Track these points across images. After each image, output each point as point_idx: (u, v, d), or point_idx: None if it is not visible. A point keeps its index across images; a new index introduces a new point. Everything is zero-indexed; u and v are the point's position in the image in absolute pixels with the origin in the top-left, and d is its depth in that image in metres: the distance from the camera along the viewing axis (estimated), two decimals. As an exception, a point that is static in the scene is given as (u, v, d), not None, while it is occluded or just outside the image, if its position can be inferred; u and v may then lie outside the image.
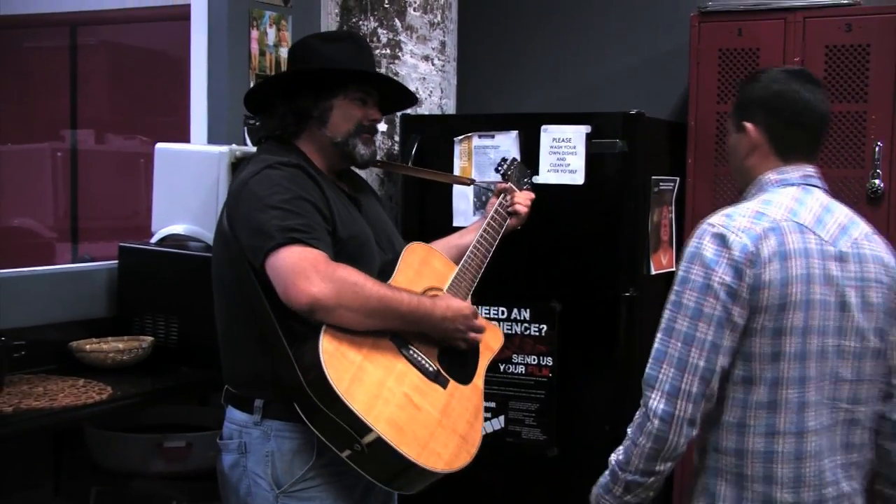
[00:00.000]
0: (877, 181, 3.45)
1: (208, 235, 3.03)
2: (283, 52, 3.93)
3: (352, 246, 2.29)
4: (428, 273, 2.49)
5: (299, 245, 2.11)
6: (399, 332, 2.27)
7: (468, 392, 2.41)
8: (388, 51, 4.11)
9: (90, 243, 5.32)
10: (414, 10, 4.15)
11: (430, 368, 2.30)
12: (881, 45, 3.45)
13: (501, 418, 3.60)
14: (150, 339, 3.15)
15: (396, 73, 4.14)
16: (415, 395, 2.22)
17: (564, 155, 3.53)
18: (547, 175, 3.55)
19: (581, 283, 3.55)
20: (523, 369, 3.57)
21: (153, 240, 3.33)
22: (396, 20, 4.12)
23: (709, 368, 1.94)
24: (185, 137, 3.77)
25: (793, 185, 2.12)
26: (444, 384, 2.33)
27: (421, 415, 2.21)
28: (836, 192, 3.50)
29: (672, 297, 2.04)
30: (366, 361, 2.17)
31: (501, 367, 3.55)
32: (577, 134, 3.51)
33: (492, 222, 2.78)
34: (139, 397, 2.86)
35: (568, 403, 3.56)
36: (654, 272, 3.66)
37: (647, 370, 2.04)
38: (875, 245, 2.11)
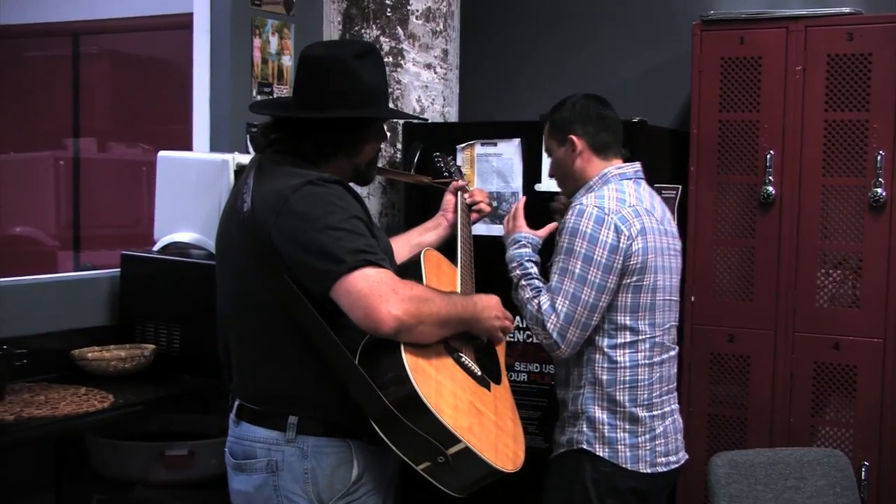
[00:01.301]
0: (879, 190, 3.45)
1: (211, 244, 3.03)
2: (286, 61, 3.94)
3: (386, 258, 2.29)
4: (443, 277, 2.58)
5: (372, 267, 2.07)
6: (446, 339, 2.29)
7: (503, 391, 2.48)
8: (391, 59, 4.11)
9: (92, 251, 5.32)
10: (416, 18, 4.16)
11: (477, 372, 2.34)
12: (883, 53, 3.45)
13: None
14: (152, 347, 3.15)
15: (399, 82, 4.14)
16: (476, 402, 2.26)
17: (567, 163, 3.52)
18: (549, 183, 3.54)
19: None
20: (525, 377, 3.56)
21: (155, 248, 3.32)
22: (399, 28, 4.12)
23: (595, 304, 2.64)
24: (187, 145, 3.77)
25: (629, 178, 2.81)
26: (488, 386, 2.37)
27: (485, 420, 2.25)
28: (838, 200, 3.52)
29: (560, 264, 2.68)
30: (439, 374, 2.18)
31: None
32: (579, 142, 3.51)
33: (465, 220, 2.84)
34: (141, 405, 2.85)
35: None
36: (656, 280, 3.66)
37: (545, 301, 2.67)
38: (673, 223, 2.91)
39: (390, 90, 4.13)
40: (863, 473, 3.45)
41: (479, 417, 2.22)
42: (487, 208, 2.95)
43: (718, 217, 3.72)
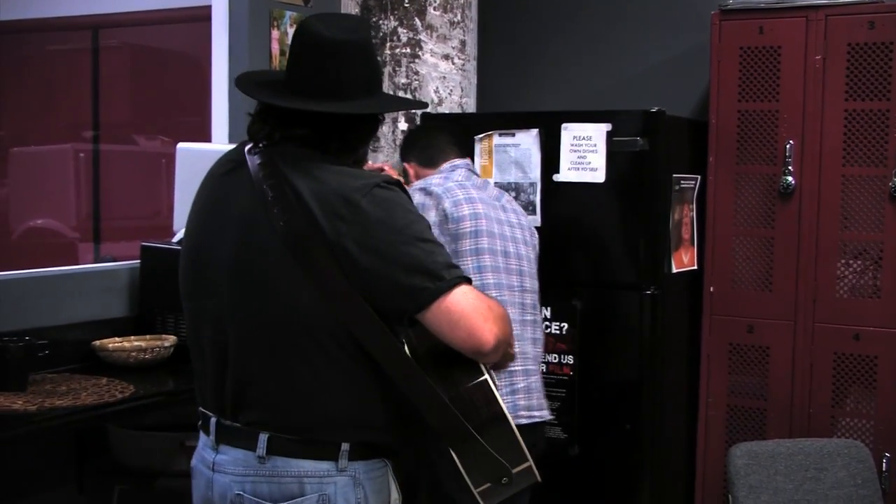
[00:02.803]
0: (900, 179, 3.43)
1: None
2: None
3: None
4: None
5: (467, 284, 1.91)
6: None
7: None
8: (409, 50, 4.11)
9: (112, 243, 5.34)
10: (434, 9, 4.15)
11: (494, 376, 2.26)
12: (904, 41, 3.43)
13: None
14: (172, 338, 3.16)
15: (417, 73, 4.14)
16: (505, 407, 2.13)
17: (585, 153, 3.52)
18: (567, 173, 3.55)
19: (602, 281, 3.54)
20: (544, 368, 3.53)
21: (175, 239, 3.34)
22: (416, 19, 4.12)
23: None
24: (206, 137, 3.78)
25: (461, 168, 3.05)
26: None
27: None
28: (858, 190, 3.50)
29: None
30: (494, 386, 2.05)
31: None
32: (597, 132, 3.51)
33: None
34: (161, 396, 2.87)
35: (588, 402, 3.55)
36: (675, 270, 3.65)
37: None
38: (515, 205, 3.14)
39: (408, 81, 4.14)
40: (884, 465, 3.44)
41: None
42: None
43: (737, 207, 3.71)
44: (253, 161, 1.97)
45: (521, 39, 4.65)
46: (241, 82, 2.07)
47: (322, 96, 1.97)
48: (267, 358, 1.95)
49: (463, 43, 4.29)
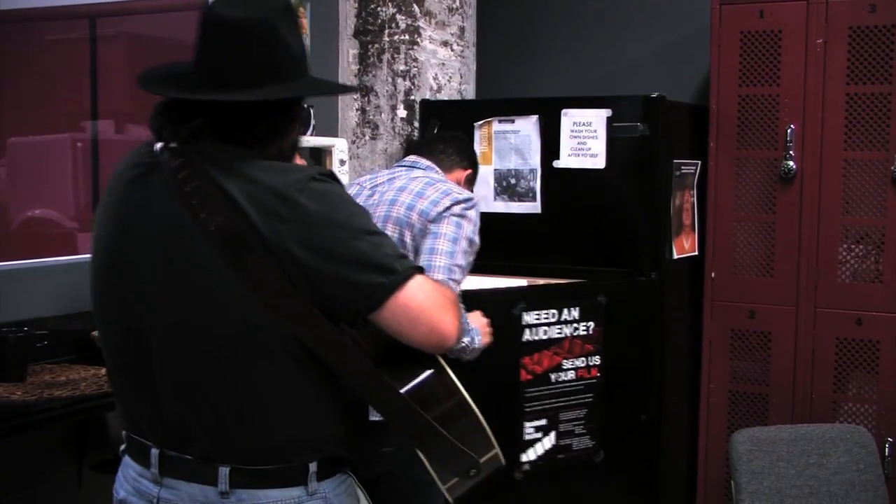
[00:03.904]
0: (902, 163, 3.42)
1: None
2: (304, 41, 3.92)
3: None
4: None
5: (419, 274, 1.76)
6: None
7: None
8: (407, 37, 4.09)
9: (112, 233, 5.31)
10: (432, -5, 4.14)
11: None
12: (906, 24, 3.41)
13: (553, 435, 3.31)
14: (171, 327, 3.15)
15: (416, 59, 4.12)
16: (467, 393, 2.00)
17: (585, 139, 3.51)
18: (568, 159, 3.54)
19: (602, 267, 3.53)
20: (573, 374, 3.34)
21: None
22: (415, 6, 4.10)
23: None
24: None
25: (402, 165, 2.91)
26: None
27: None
28: (860, 174, 3.48)
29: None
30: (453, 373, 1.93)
31: (552, 378, 3.28)
32: (597, 118, 3.49)
33: None
34: (161, 386, 2.86)
35: (612, 401, 3.44)
36: (676, 256, 3.64)
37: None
38: (406, 196, 2.73)
39: (407, 68, 4.11)
40: (886, 449, 3.43)
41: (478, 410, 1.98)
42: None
43: (738, 192, 3.69)
44: (168, 163, 1.74)
45: (520, 25, 4.63)
46: (144, 76, 1.88)
47: (221, 84, 1.76)
48: (212, 381, 1.75)
49: (462, 29, 4.27)
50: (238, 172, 1.73)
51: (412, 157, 2.91)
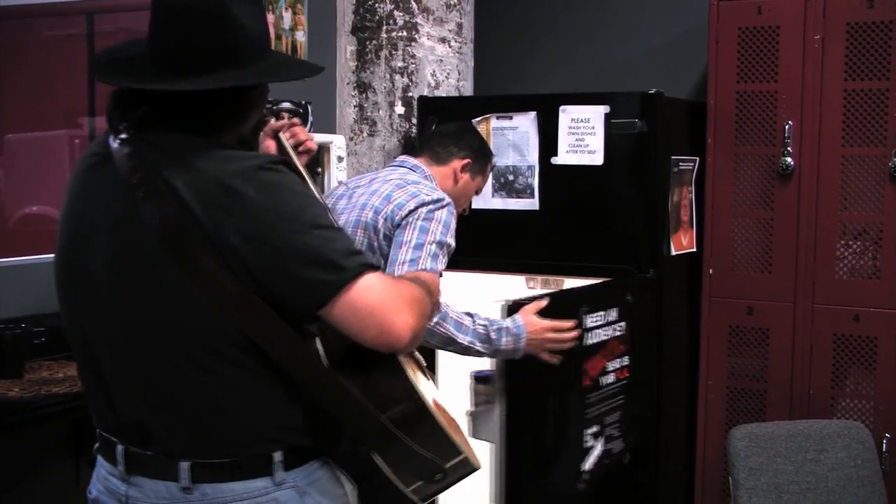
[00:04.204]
0: (899, 159, 3.42)
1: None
2: (300, 37, 3.92)
3: None
4: None
5: (371, 272, 1.67)
6: None
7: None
8: (405, 33, 4.09)
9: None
10: (430, -9, 4.13)
11: (423, 361, 2.00)
12: (904, 21, 3.41)
13: (602, 441, 3.17)
14: (169, 324, 3.15)
15: (413, 56, 4.12)
16: (438, 399, 1.91)
17: (583, 135, 3.51)
18: (566, 156, 3.54)
19: (600, 263, 3.53)
20: (613, 377, 3.21)
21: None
22: (413, 2, 4.10)
23: None
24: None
25: (391, 165, 2.88)
26: (427, 375, 2.00)
27: (448, 417, 1.91)
28: (858, 171, 3.48)
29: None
30: (415, 375, 1.84)
31: (601, 381, 3.13)
32: (595, 114, 3.49)
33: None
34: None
35: (635, 401, 3.36)
36: (674, 253, 3.64)
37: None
38: (375, 199, 2.66)
39: (405, 65, 4.11)
40: (884, 445, 3.43)
41: (446, 416, 1.88)
42: (314, 146, 2.32)
43: (736, 189, 3.69)
44: (119, 152, 1.69)
45: (518, 21, 4.63)
46: (97, 60, 1.86)
47: (171, 70, 1.69)
48: (162, 377, 1.70)
49: (460, 26, 4.27)
50: (184, 162, 1.66)
51: (401, 157, 2.88)
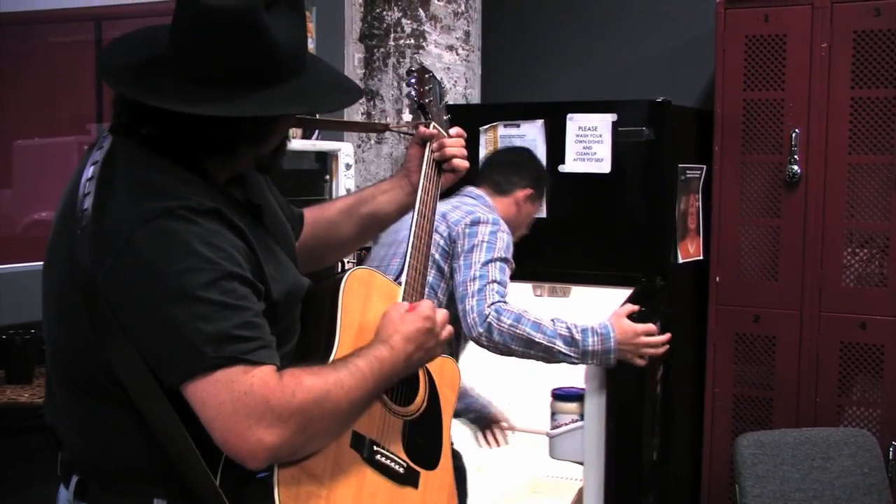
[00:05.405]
0: (906, 167, 3.42)
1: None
2: (309, 44, 3.93)
3: (284, 305, 1.63)
4: (375, 305, 1.79)
5: (241, 366, 1.43)
6: (357, 427, 1.65)
7: (438, 479, 1.82)
8: (413, 41, 4.10)
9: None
10: (438, 0, 4.15)
11: (400, 468, 1.72)
12: (910, 29, 3.42)
13: (656, 451, 3.26)
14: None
15: (421, 63, 4.13)
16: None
17: (591, 143, 3.51)
18: (573, 164, 3.54)
19: (607, 272, 3.53)
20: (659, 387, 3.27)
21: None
22: (420, 10, 4.11)
23: None
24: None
25: (456, 195, 2.94)
26: (415, 482, 1.75)
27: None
28: (865, 179, 3.48)
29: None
30: (332, 493, 1.58)
31: (658, 388, 3.20)
32: (603, 122, 3.50)
33: (431, 183, 2.02)
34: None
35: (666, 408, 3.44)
36: (681, 260, 3.64)
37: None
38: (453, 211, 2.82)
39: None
40: (891, 453, 3.43)
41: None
42: (464, 165, 2.09)
43: (743, 197, 3.70)
44: (95, 153, 1.59)
45: (525, 30, 4.64)
46: (109, 57, 1.66)
47: (189, 82, 1.53)
48: (63, 394, 1.61)
49: (467, 33, 4.28)
50: (114, 178, 1.53)
51: (465, 188, 2.95)
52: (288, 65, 1.57)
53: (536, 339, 2.56)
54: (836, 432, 3.28)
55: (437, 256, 2.74)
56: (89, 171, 1.54)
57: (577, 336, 2.58)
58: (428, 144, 2.05)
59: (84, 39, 4.79)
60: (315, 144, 3.59)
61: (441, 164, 2.05)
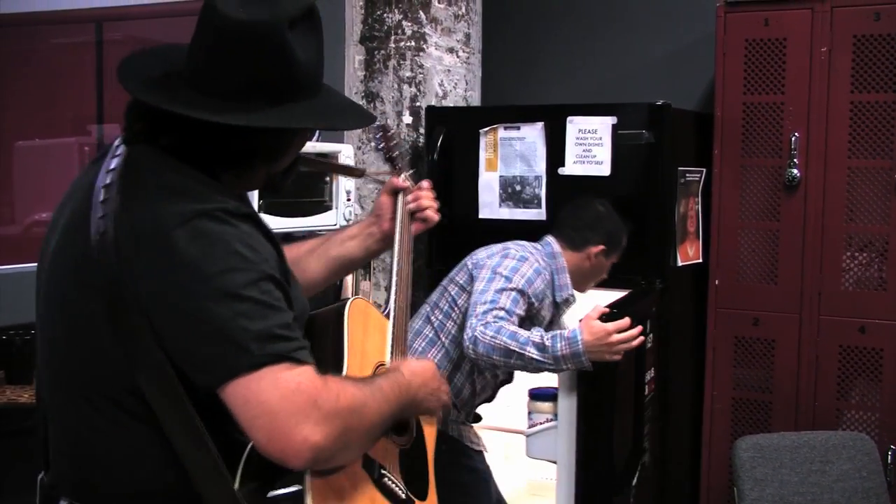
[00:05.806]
0: (906, 171, 3.43)
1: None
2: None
3: (299, 321, 1.58)
4: (371, 334, 1.88)
5: (287, 363, 1.40)
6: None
7: None
8: (413, 43, 4.11)
9: (117, 237, 5.30)
10: (438, 2, 4.15)
11: (402, 493, 1.75)
12: (910, 33, 3.42)
13: (646, 453, 3.23)
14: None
15: (421, 66, 4.14)
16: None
17: (590, 146, 3.52)
18: (573, 167, 3.55)
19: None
20: (647, 388, 3.24)
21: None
22: (421, 13, 4.12)
23: None
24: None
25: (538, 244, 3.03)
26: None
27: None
28: (864, 182, 3.49)
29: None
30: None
31: (647, 391, 3.20)
32: (603, 125, 3.51)
33: (403, 234, 2.07)
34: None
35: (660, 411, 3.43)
36: (680, 263, 3.65)
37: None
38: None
39: (413, 75, 4.12)
40: (889, 457, 3.43)
41: None
42: (434, 217, 2.14)
43: (742, 200, 3.70)
44: (109, 161, 1.54)
45: (525, 32, 4.65)
46: (130, 69, 1.62)
47: (206, 92, 1.52)
48: (59, 408, 1.57)
49: (468, 36, 4.28)
50: (137, 183, 1.49)
51: (547, 238, 3.02)
52: (307, 84, 1.58)
53: (511, 348, 2.60)
54: (834, 436, 3.28)
55: (461, 280, 2.92)
56: (106, 178, 1.50)
57: (548, 343, 2.61)
58: (401, 195, 2.09)
59: (85, 41, 4.79)
60: (315, 146, 3.60)
61: (413, 213, 2.12)
